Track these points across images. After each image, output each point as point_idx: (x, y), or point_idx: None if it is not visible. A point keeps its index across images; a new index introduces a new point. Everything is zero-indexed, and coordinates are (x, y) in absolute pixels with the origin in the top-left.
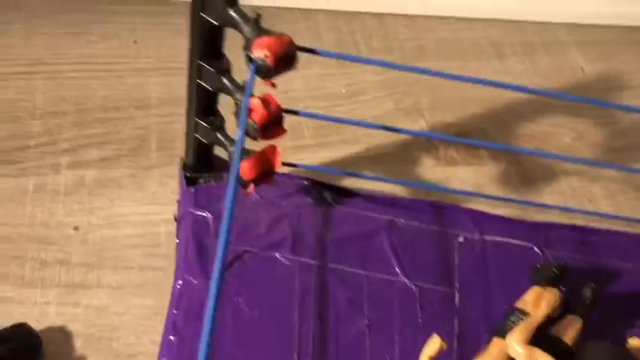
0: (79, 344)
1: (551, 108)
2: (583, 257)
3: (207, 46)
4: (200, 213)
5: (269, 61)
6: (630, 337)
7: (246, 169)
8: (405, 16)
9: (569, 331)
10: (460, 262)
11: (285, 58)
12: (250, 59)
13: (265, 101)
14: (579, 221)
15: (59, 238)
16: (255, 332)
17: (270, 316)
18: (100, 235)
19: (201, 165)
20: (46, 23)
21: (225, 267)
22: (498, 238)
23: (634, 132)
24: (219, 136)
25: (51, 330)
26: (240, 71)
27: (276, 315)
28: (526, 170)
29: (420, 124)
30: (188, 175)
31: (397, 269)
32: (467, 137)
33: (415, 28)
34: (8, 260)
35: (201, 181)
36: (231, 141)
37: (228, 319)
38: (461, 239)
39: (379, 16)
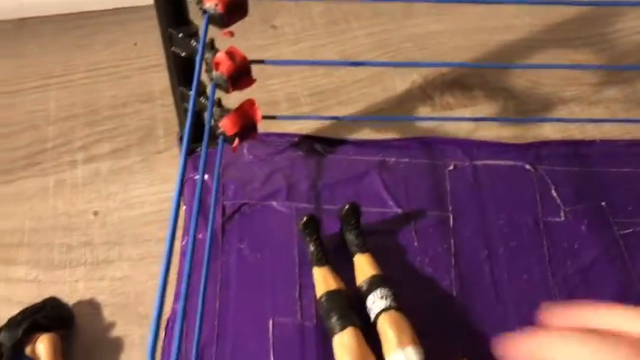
0: (107, 313)
1: (545, 44)
2: (578, 169)
3: (174, 14)
4: (198, 176)
5: (219, 9)
6: None
7: (228, 124)
8: None
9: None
10: (452, 188)
11: (235, 5)
12: (204, 11)
13: (230, 54)
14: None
15: (81, 223)
16: (258, 273)
17: (272, 257)
18: (117, 216)
19: (196, 134)
20: (55, 40)
21: (227, 219)
22: (489, 162)
23: (633, 53)
24: (202, 100)
25: (81, 303)
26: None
27: (277, 256)
28: (523, 103)
29: (412, 78)
30: (192, 146)
31: (390, 202)
32: (463, 82)
33: None
34: (38, 248)
35: (198, 149)
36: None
37: (233, 264)
38: (451, 167)
39: None
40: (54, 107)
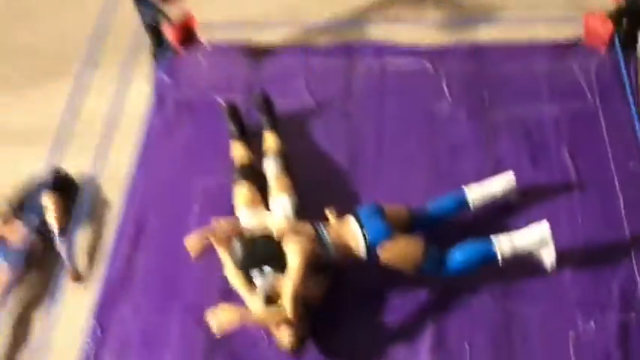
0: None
1: None
2: (474, 69)
3: None
4: (161, 77)
5: None
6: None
7: (170, 33)
8: None
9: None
10: (360, 85)
11: None
12: None
13: None
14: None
15: (87, 119)
16: (194, 149)
17: (207, 138)
18: (112, 113)
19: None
20: None
21: (178, 108)
22: (395, 62)
23: None
24: (155, 13)
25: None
26: None
27: (212, 137)
28: (467, 12)
29: None
30: (155, 55)
31: (307, 96)
32: None
33: None
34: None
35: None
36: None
37: (180, 142)
38: (363, 68)
39: None
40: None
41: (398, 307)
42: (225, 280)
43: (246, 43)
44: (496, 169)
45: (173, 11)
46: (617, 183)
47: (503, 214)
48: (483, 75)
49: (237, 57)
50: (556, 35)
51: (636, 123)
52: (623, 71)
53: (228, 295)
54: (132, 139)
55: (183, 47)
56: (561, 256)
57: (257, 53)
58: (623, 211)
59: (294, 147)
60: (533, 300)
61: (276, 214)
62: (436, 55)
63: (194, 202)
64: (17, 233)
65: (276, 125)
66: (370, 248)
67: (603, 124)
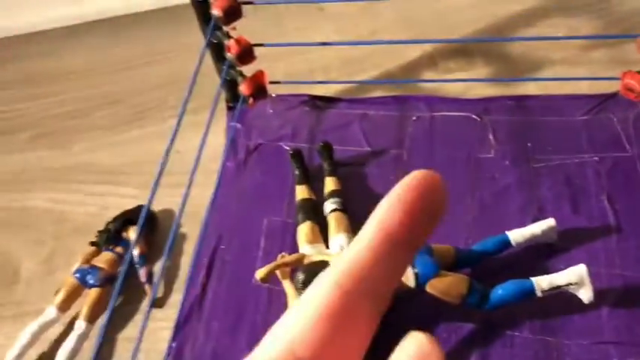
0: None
1: (547, 12)
2: (518, 119)
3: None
4: (234, 124)
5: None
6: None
7: (244, 87)
8: None
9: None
10: (412, 133)
11: (231, 11)
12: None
13: (237, 40)
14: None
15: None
16: (263, 189)
17: (274, 179)
18: (193, 154)
19: (234, 98)
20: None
21: (249, 154)
22: (445, 113)
23: (629, 18)
24: (231, 71)
25: (162, 211)
26: None
27: (278, 178)
28: (515, 66)
29: (424, 47)
30: (230, 105)
31: (364, 143)
32: (465, 49)
33: None
34: (139, 175)
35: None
36: (236, 70)
37: (248, 183)
38: (414, 118)
39: None
40: (154, 79)
41: (444, 340)
42: (287, 308)
43: (310, 95)
44: (538, 215)
45: (247, 68)
46: None
47: (543, 256)
48: (526, 125)
49: (301, 107)
50: (597, 90)
51: None
52: None
53: None
54: (209, 180)
55: (254, 99)
56: (599, 297)
57: (319, 104)
58: None
59: (352, 190)
60: (571, 336)
61: (335, 250)
62: (482, 105)
63: (261, 238)
64: (106, 262)
65: (335, 170)
66: (419, 284)
67: None
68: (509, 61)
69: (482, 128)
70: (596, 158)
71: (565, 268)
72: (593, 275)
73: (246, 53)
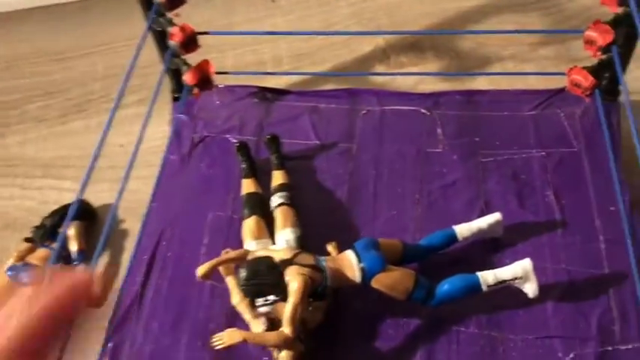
0: (120, 213)
1: (497, 9)
2: (467, 113)
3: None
4: (179, 116)
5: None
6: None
7: (188, 76)
8: None
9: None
10: (362, 126)
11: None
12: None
13: (181, 27)
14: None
15: (110, 152)
16: (208, 183)
17: (220, 172)
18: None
19: (179, 89)
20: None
21: (194, 146)
22: (395, 107)
23: (577, 16)
24: (175, 60)
25: (102, 206)
26: None
27: (224, 171)
28: (465, 62)
29: (377, 42)
30: (175, 96)
31: (313, 136)
32: (417, 44)
33: None
34: (79, 168)
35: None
36: (180, 59)
37: (192, 176)
38: (364, 111)
39: None
40: (100, 69)
41: (391, 337)
42: (231, 306)
43: (258, 87)
44: (485, 209)
45: (195, 58)
46: (597, 224)
47: (490, 250)
48: (475, 119)
49: (249, 99)
50: (546, 86)
51: (614, 172)
52: (604, 120)
53: (233, 320)
54: (150, 173)
55: (199, 89)
56: (544, 291)
57: (268, 96)
58: (603, 251)
59: (300, 184)
60: (516, 331)
61: (281, 245)
62: (432, 99)
63: (205, 233)
64: (42, 260)
65: (283, 163)
66: (365, 279)
67: (587, 169)
68: (460, 57)
69: (432, 122)
70: (543, 153)
71: (511, 262)
72: (539, 270)
73: (190, 41)
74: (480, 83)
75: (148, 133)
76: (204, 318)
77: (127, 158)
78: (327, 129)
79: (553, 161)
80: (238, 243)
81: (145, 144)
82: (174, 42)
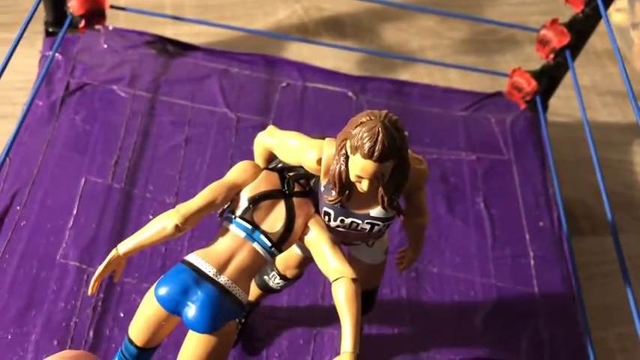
0: None
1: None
2: (396, 104)
3: None
4: (50, 53)
5: None
6: None
7: (75, 4)
8: None
9: None
10: (280, 102)
11: None
12: None
13: None
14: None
15: None
16: (84, 140)
17: (100, 129)
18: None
19: (58, 20)
20: None
21: (68, 94)
22: (318, 85)
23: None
24: None
25: None
26: None
27: (105, 129)
28: (386, 47)
29: (294, 8)
30: (49, 29)
31: (221, 102)
32: (338, 20)
33: None
34: None
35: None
36: None
37: (63, 130)
38: (284, 84)
39: None
40: None
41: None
42: (101, 298)
43: (158, 35)
44: None
45: None
46: (527, 239)
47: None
48: (405, 112)
49: (145, 48)
50: (468, 84)
51: (541, 186)
52: (534, 130)
53: (103, 316)
54: (11, 111)
55: (86, 23)
56: (473, 308)
57: (169, 48)
58: (532, 268)
59: (197, 155)
60: (442, 351)
61: None
62: (360, 83)
63: (75, 202)
64: None
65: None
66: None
67: (517, 180)
68: (380, 42)
69: (358, 108)
70: (473, 157)
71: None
72: (467, 283)
73: None
74: (404, 76)
75: (14, 63)
76: (64, 310)
77: None
78: (239, 97)
79: (483, 167)
80: (118, 218)
81: (7, 76)
82: None
